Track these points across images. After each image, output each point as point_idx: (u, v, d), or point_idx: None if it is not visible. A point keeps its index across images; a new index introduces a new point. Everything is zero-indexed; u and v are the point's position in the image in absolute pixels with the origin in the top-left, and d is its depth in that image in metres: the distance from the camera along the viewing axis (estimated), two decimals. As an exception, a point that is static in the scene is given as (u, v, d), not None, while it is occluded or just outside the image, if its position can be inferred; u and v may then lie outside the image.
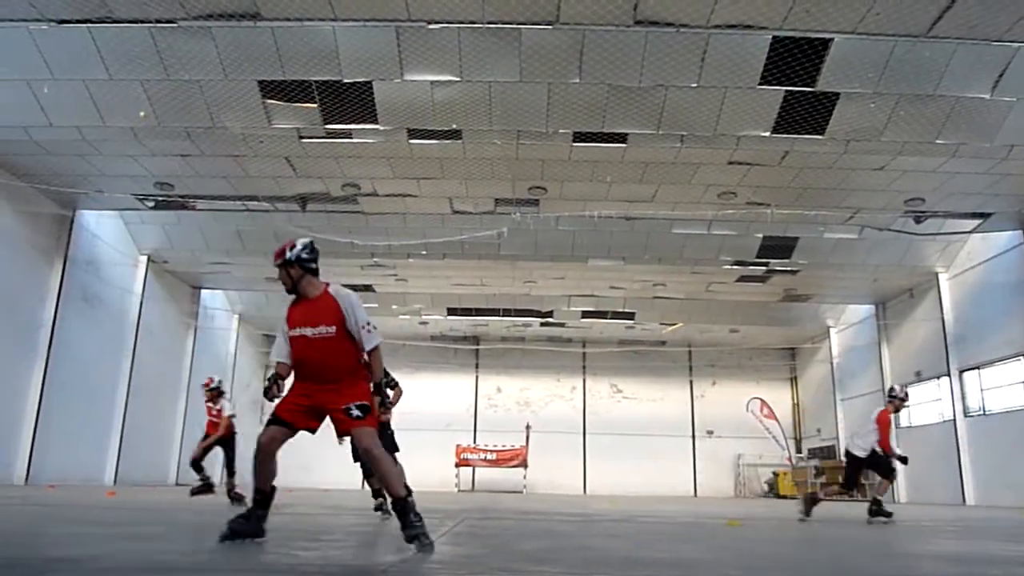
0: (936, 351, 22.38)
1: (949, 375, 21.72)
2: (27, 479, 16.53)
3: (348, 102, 13.45)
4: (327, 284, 4.83)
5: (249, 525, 4.56)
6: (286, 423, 4.59)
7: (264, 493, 4.66)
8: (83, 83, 12.89)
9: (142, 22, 11.52)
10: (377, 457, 4.61)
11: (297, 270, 4.76)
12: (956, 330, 21.78)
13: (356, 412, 4.55)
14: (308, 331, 4.64)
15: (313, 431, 4.77)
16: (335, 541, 5.19)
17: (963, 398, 21.32)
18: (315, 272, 4.85)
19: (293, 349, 4.72)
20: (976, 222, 18.56)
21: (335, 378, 4.63)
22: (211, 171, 16.36)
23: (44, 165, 15.91)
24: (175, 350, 24.71)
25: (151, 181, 16.92)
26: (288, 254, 4.76)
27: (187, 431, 24.65)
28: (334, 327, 4.62)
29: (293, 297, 4.82)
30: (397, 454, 7.92)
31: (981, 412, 20.68)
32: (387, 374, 6.93)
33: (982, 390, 20.70)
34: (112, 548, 4.36)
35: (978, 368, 20.77)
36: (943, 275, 22.26)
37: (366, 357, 4.75)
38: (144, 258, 21.92)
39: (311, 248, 4.86)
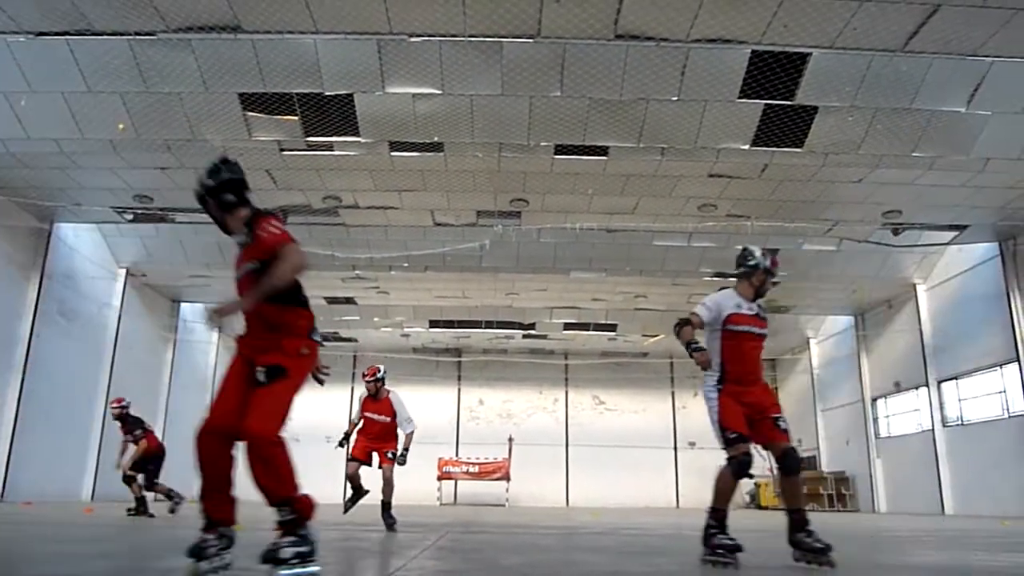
0: (915, 362, 22.61)
1: (928, 385, 21.94)
2: (3, 496, 16.22)
3: (329, 115, 13.42)
4: (388, 391, 9.30)
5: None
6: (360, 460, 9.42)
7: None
8: (61, 95, 12.77)
9: (121, 34, 11.44)
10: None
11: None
12: (934, 341, 22.02)
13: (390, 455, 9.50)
14: (375, 416, 9.64)
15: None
16: (317, 557, 5.12)
17: (941, 408, 21.54)
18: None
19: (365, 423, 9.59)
20: (953, 234, 18.81)
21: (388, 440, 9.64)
22: (191, 183, 15.93)
23: (21, 178, 15.71)
24: (154, 364, 24.43)
25: (130, 194, 16.77)
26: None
27: (168, 447, 24.34)
28: (389, 417, 9.62)
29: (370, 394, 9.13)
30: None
31: (959, 422, 20.89)
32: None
33: (960, 400, 20.92)
34: (90, 566, 4.29)
35: (956, 378, 21.00)
36: (921, 287, 22.53)
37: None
38: (123, 271, 21.67)
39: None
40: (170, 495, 12.21)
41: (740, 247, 5.33)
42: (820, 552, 4.52)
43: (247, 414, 3.40)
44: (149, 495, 12.17)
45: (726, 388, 5.00)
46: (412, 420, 9.78)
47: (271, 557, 3.34)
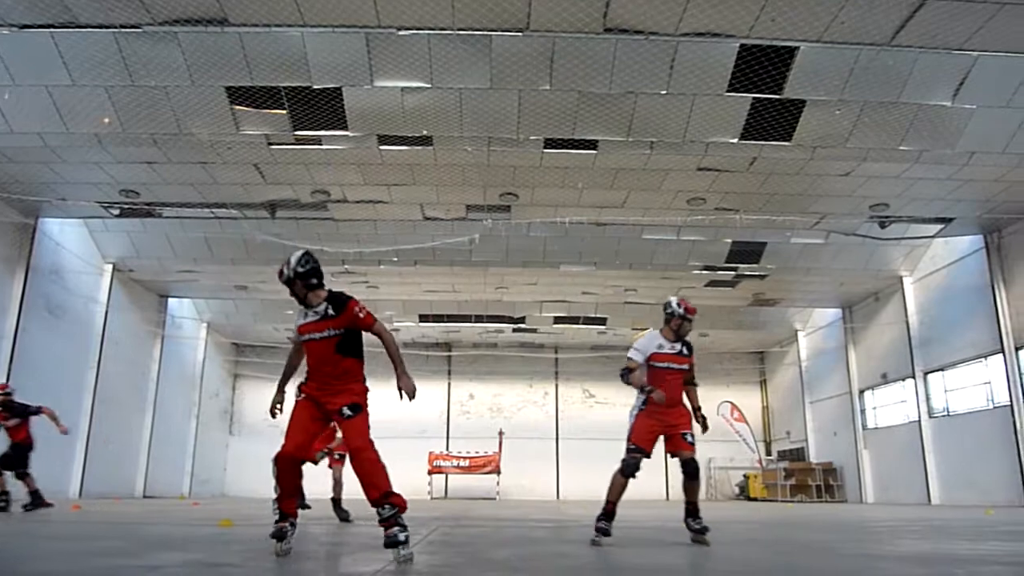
0: (901, 353, 22.80)
1: (914, 377, 22.12)
2: (-12, 493, 16.10)
3: (318, 108, 13.36)
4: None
5: None
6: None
7: None
8: (46, 89, 12.66)
9: (106, 27, 11.34)
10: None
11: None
12: (921, 333, 22.20)
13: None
14: None
15: None
16: (307, 552, 5.13)
17: (928, 399, 21.73)
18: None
19: None
20: (939, 227, 18.95)
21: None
22: (178, 178, 16.14)
23: (5, 172, 15.57)
24: (141, 360, 24.30)
25: (116, 188, 16.64)
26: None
27: (154, 443, 24.27)
28: None
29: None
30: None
31: (945, 413, 21.09)
32: None
33: (946, 391, 21.12)
34: (80, 564, 4.27)
35: (942, 370, 21.19)
36: (907, 279, 22.70)
37: None
38: (109, 267, 21.53)
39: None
40: (35, 497, 11.52)
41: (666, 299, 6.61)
42: (699, 532, 6.06)
43: (351, 438, 4.74)
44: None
45: (647, 410, 6.36)
46: None
47: (392, 543, 4.41)
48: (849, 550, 5.90)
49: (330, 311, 4.97)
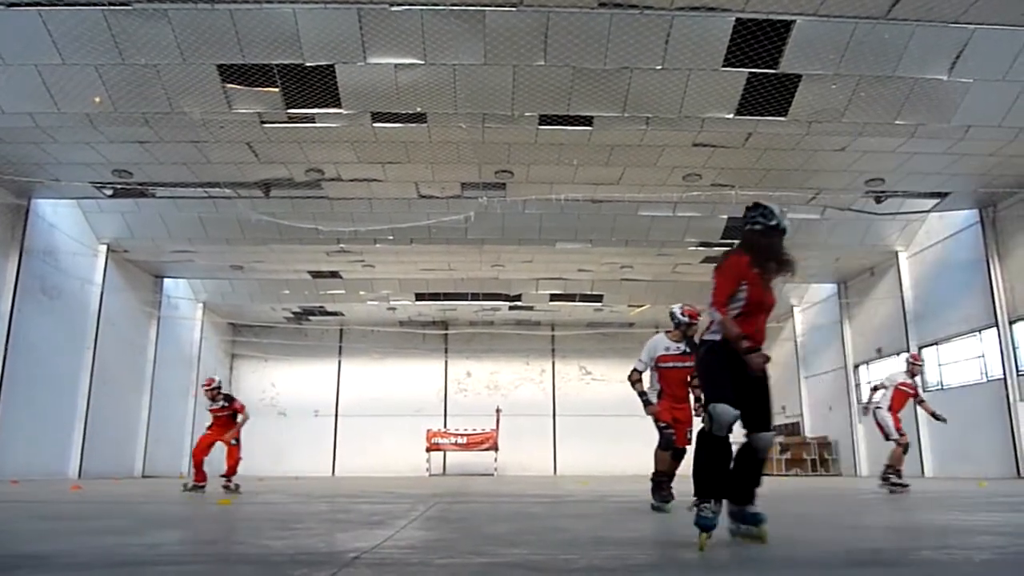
0: (896, 328, 22.88)
1: (909, 351, 22.20)
2: (-12, 474, 16.19)
3: (310, 86, 13.25)
4: None
5: None
6: None
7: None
8: (35, 68, 12.52)
9: (95, 4, 11.21)
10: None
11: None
12: (915, 307, 22.28)
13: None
14: None
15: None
16: (305, 529, 5.17)
17: (922, 374, 21.81)
18: None
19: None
20: (934, 201, 18.95)
21: None
22: (171, 157, 16.03)
23: (-4, 153, 15.47)
24: (138, 341, 24.31)
25: (109, 168, 16.54)
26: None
27: (152, 423, 24.34)
28: None
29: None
30: None
31: (939, 387, 21.21)
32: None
33: (940, 365, 21.23)
34: (79, 543, 4.30)
35: (936, 344, 21.29)
36: (903, 254, 22.73)
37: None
38: (103, 247, 21.44)
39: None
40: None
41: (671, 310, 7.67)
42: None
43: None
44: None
45: (662, 402, 7.48)
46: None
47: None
48: (845, 522, 5.96)
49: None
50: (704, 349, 4.28)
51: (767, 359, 4.05)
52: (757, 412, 4.13)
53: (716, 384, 4.10)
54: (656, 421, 7.35)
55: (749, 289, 4.24)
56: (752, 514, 4.05)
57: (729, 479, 4.09)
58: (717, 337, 4.17)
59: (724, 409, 3.98)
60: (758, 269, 4.31)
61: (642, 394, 7.37)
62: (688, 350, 7.33)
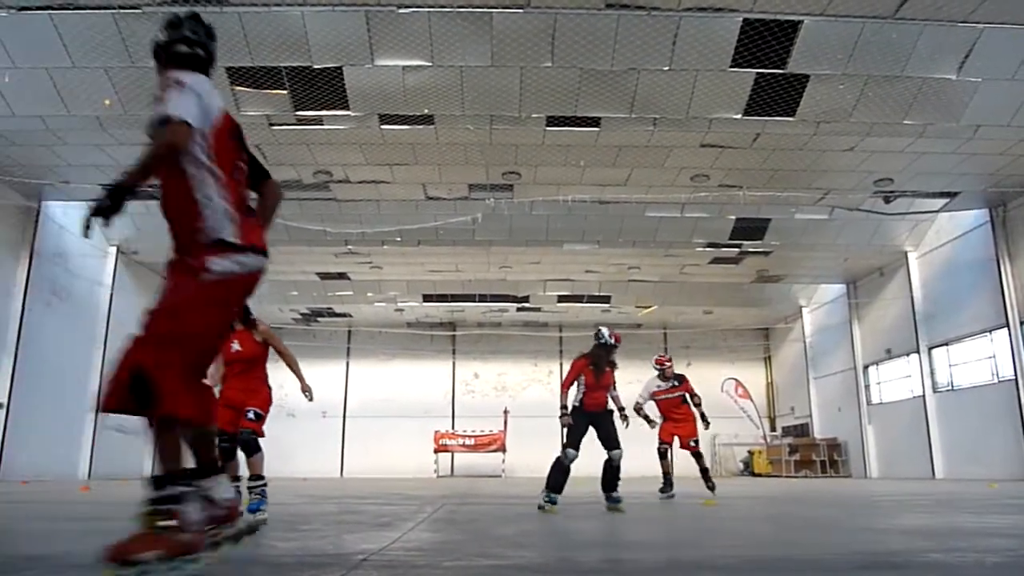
0: (906, 328, 22.77)
1: (919, 352, 22.11)
2: (-2, 475, 16.29)
3: (318, 88, 13.30)
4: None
5: None
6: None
7: None
8: (46, 71, 12.61)
9: (106, 8, 11.27)
10: None
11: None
12: (925, 308, 22.16)
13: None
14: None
15: None
16: (313, 530, 5.18)
17: (932, 374, 21.74)
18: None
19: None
20: (944, 201, 18.85)
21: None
22: (180, 160, 16.06)
23: (7, 155, 15.57)
24: (148, 342, 24.35)
25: (119, 170, 16.53)
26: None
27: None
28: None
29: None
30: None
31: (949, 387, 21.10)
32: None
33: (950, 366, 21.11)
34: (88, 544, 4.32)
35: (946, 344, 21.18)
36: (912, 254, 22.61)
37: None
38: (113, 249, 21.56)
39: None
40: None
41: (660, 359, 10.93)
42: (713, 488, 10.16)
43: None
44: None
45: (664, 425, 10.69)
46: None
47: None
48: (854, 524, 5.94)
49: None
50: (571, 409, 7.48)
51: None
52: (609, 438, 7.65)
53: (571, 434, 7.54)
54: (659, 439, 10.72)
55: (586, 378, 7.66)
56: (615, 498, 7.43)
57: (601, 479, 7.63)
58: (577, 403, 7.60)
59: (572, 452, 7.44)
60: (592, 368, 7.66)
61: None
62: (676, 383, 10.70)
